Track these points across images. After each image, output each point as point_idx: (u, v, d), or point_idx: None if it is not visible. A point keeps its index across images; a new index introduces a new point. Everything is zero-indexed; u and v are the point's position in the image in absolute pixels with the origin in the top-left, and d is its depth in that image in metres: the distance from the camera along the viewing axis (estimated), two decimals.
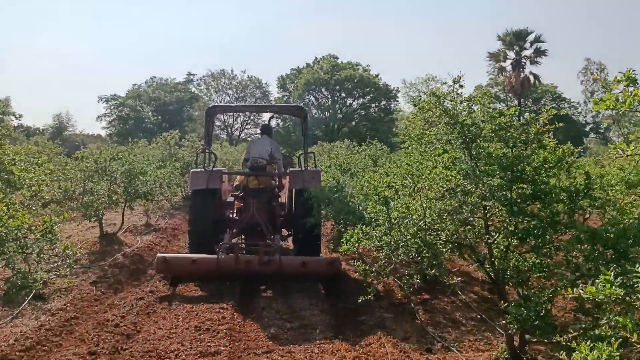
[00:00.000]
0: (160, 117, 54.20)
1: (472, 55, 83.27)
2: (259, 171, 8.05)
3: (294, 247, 8.37)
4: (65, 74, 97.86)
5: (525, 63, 39.13)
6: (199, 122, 53.17)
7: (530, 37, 38.73)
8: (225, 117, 54.24)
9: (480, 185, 4.04)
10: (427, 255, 3.96)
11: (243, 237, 8.16)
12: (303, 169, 8.25)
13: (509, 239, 4.00)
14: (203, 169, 8.12)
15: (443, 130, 4.23)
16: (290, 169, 8.65)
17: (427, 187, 4.19)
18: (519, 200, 3.92)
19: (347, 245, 4.29)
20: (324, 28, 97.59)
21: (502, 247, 4.15)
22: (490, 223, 4.32)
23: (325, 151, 19.84)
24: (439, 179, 4.04)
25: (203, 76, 59.35)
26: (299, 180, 7.81)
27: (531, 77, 38.90)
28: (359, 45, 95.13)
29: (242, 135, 56.12)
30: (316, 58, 53.21)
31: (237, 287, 6.97)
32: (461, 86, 4.43)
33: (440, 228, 4.14)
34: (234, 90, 58.29)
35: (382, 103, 48.79)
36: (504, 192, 3.99)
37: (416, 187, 4.16)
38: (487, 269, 4.20)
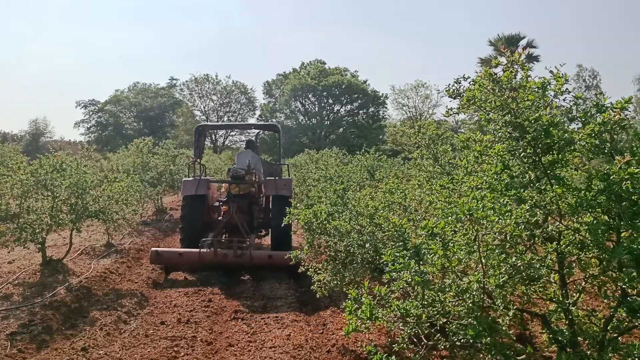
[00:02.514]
0: (141, 123, 52.15)
1: (462, 61, 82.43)
2: (239, 180, 9.37)
3: (270, 244, 9.52)
4: (47, 79, 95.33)
5: (517, 69, 38.00)
6: (182, 128, 51.31)
7: (523, 42, 37.59)
8: None
9: (559, 222, 2.51)
10: (486, 341, 2.41)
11: (227, 235, 9.46)
12: (276, 178, 9.69)
13: (615, 311, 2.46)
14: (193, 178, 9.46)
15: (501, 133, 2.69)
16: (267, 178, 9.93)
17: (485, 229, 2.59)
18: (635, 248, 2.37)
19: (350, 325, 2.63)
20: (310, 36, 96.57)
21: (595, 322, 2.61)
22: (568, 279, 2.78)
23: (312, 160, 18.11)
24: (502, 215, 2.49)
25: (186, 81, 57.33)
26: (272, 187, 9.33)
27: None
28: (346, 51, 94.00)
29: (226, 142, 54.31)
30: (303, 63, 51.88)
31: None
32: (523, 68, 2.91)
33: (503, 296, 2.57)
34: (219, 95, 56.37)
35: (370, 110, 47.43)
36: (604, 235, 2.44)
37: (477, 236, 2.54)
38: (571, 356, 2.62)
